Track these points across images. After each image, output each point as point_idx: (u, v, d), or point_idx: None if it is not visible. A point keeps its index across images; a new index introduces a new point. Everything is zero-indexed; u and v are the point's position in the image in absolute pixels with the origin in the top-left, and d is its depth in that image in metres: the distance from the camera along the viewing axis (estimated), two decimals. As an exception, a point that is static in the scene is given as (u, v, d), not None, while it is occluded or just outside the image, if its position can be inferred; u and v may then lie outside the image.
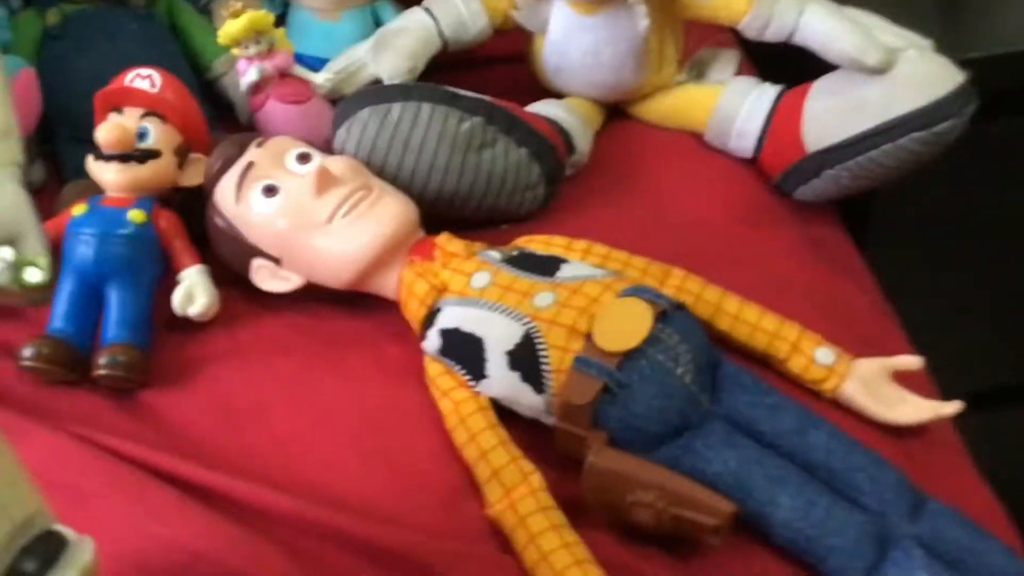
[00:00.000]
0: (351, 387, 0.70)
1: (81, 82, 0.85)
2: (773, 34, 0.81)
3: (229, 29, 0.78)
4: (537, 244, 0.72)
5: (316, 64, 0.88)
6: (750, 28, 0.82)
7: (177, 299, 0.72)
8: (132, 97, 0.76)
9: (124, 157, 0.73)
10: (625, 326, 0.61)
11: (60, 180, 0.86)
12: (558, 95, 0.90)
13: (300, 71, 0.83)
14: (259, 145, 0.74)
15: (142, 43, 0.89)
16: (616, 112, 0.92)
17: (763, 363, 0.69)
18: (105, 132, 0.73)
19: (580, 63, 0.86)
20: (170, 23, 0.93)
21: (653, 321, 0.61)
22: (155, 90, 0.76)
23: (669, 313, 0.62)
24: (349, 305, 0.75)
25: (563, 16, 0.85)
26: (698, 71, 0.90)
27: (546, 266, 0.67)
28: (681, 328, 0.62)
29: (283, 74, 0.81)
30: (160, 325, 0.74)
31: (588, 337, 0.61)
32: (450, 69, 0.91)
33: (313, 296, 0.74)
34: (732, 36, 0.91)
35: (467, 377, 0.65)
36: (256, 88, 0.81)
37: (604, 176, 0.86)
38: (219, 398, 0.70)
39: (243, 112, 0.92)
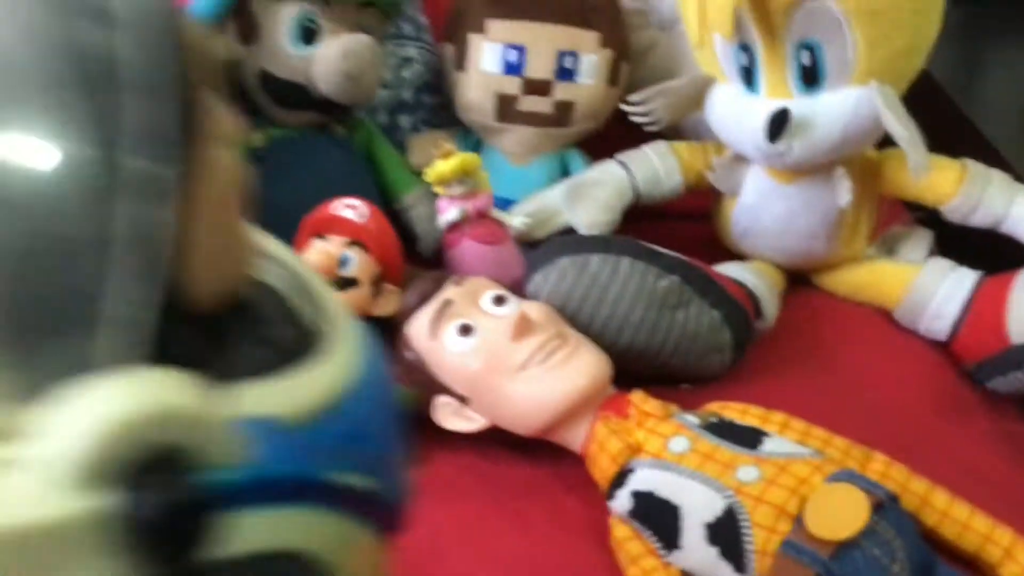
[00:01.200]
0: (528, 539, 0.69)
1: (282, 204, 0.87)
2: (980, 220, 0.80)
3: (440, 169, 0.80)
4: (733, 412, 0.70)
5: (502, 204, 0.90)
6: (956, 212, 0.81)
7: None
8: (339, 225, 0.78)
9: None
10: (839, 513, 0.58)
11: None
12: (740, 256, 0.90)
13: (496, 213, 0.84)
14: (457, 284, 0.75)
15: (341, 171, 0.92)
16: (798, 277, 0.91)
17: (967, 563, 0.66)
18: (312, 258, 0.75)
19: (771, 229, 0.86)
20: (366, 153, 0.97)
21: (869, 512, 0.58)
22: (361, 221, 0.78)
23: (885, 504, 0.59)
24: (526, 451, 0.74)
25: (759, 181, 0.86)
26: (889, 247, 0.89)
27: (747, 437, 0.65)
28: (896, 522, 0.59)
29: (480, 214, 0.83)
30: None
31: (798, 520, 0.59)
32: (631, 220, 0.92)
33: (491, 439, 0.74)
34: (922, 215, 0.90)
35: (658, 545, 0.63)
36: (453, 226, 0.83)
37: (789, 343, 0.85)
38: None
39: (427, 245, 0.95)
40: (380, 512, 0.29)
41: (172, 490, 0.20)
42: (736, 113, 0.83)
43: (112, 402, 0.19)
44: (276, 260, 0.30)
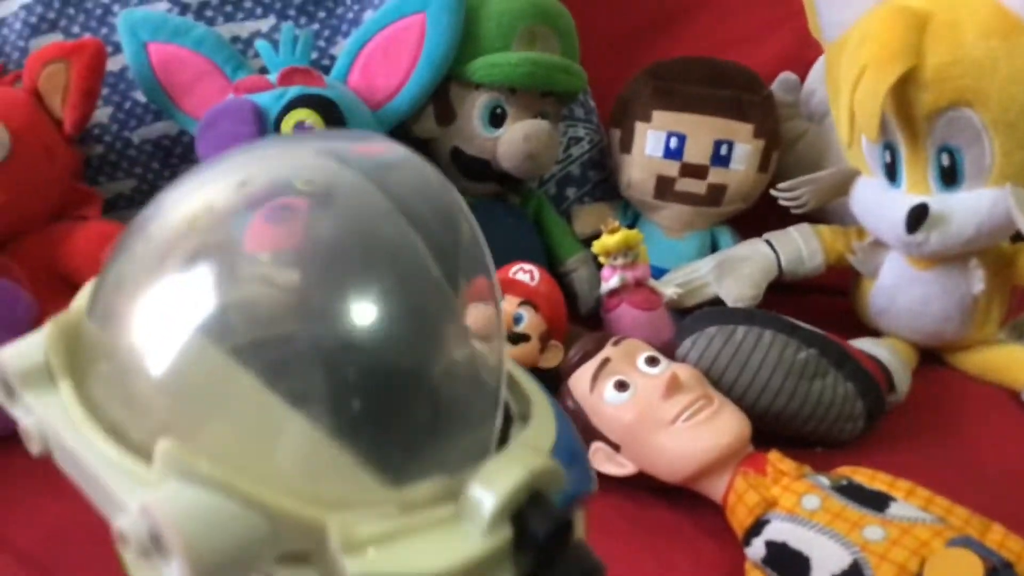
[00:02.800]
0: (670, 578, 0.76)
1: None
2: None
3: (605, 242, 0.90)
4: (862, 476, 0.77)
5: (656, 272, 0.99)
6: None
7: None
8: (514, 287, 0.88)
9: (501, 337, 0.86)
10: (956, 574, 0.64)
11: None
12: (876, 332, 0.97)
13: (651, 282, 0.93)
14: (615, 344, 0.84)
15: (514, 235, 1.03)
16: (930, 355, 0.97)
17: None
18: (492, 315, 0.85)
19: (907, 310, 0.92)
20: (536, 220, 1.08)
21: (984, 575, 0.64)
22: (533, 283, 0.89)
23: (999, 571, 0.65)
24: (670, 497, 0.82)
25: (897, 266, 0.92)
26: (1020, 333, 0.94)
27: (875, 501, 0.71)
28: (1009, 586, 0.65)
29: (638, 283, 0.92)
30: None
31: (917, 577, 0.65)
32: (774, 291, 1.00)
33: (638, 484, 0.82)
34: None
35: (788, 591, 0.70)
36: (613, 292, 0.93)
37: (919, 417, 0.90)
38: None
39: (585, 305, 1.04)
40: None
41: (550, 516, 0.30)
42: (879, 205, 0.90)
43: (512, 475, 0.30)
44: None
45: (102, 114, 1.04)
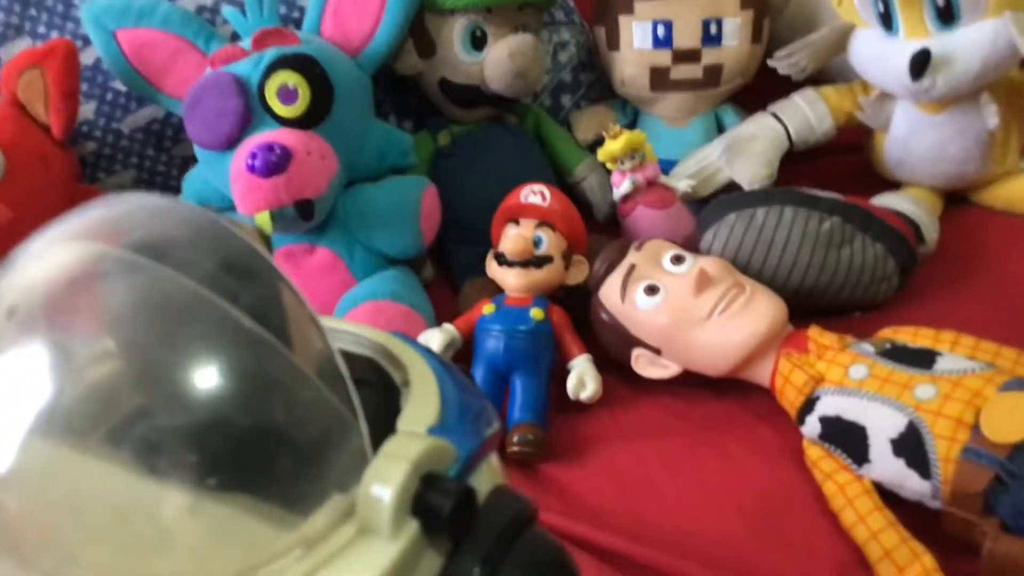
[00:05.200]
0: (732, 465, 0.77)
1: (468, 193, 0.99)
2: None
3: (610, 148, 0.89)
4: (905, 336, 0.77)
5: (664, 164, 0.97)
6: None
7: (571, 385, 0.83)
8: (528, 211, 0.88)
9: (524, 263, 0.86)
10: (1012, 418, 0.64)
11: (446, 276, 1.00)
12: (896, 184, 0.95)
13: (663, 179, 0.92)
14: (638, 248, 0.84)
15: (517, 155, 1.02)
16: (954, 197, 0.96)
17: None
18: (512, 244, 0.85)
19: (924, 157, 0.91)
20: (536, 135, 1.06)
21: (1039, 415, 0.64)
22: (546, 203, 0.88)
23: (1054, 407, 0.66)
24: (718, 390, 0.83)
25: (908, 115, 0.90)
26: (1042, 158, 0.93)
27: (921, 359, 0.72)
28: (1066, 423, 0.65)
29: (650, 183, 0.91)
30: (551, 407, 0.84)
31: (975, 428, 0.65)
32: (788, 161, 0.98)
33: (686, 382, 0.83)
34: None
35: (849, 461, 0.71)
36: (626, 196, 0.92)
37: (952, 263, 0.90)
38: (611, 471, 0.79)
39: (600, 212, 1.04)
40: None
41: (447, 492, 0.30)
42: (879, 56, 0.88)
43: (396, 471, 0.30)
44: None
45: (87, 110, 1.03)
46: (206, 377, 0.30)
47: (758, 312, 0.77)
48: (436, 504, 0.30)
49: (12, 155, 0.91)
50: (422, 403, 0.34)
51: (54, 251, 0.35)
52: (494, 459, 0.36)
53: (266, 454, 0.30)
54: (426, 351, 0.39)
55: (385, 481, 0.29)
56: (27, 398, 0.30)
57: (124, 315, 0.32)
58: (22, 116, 0.94)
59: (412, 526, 0.30)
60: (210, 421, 0.29)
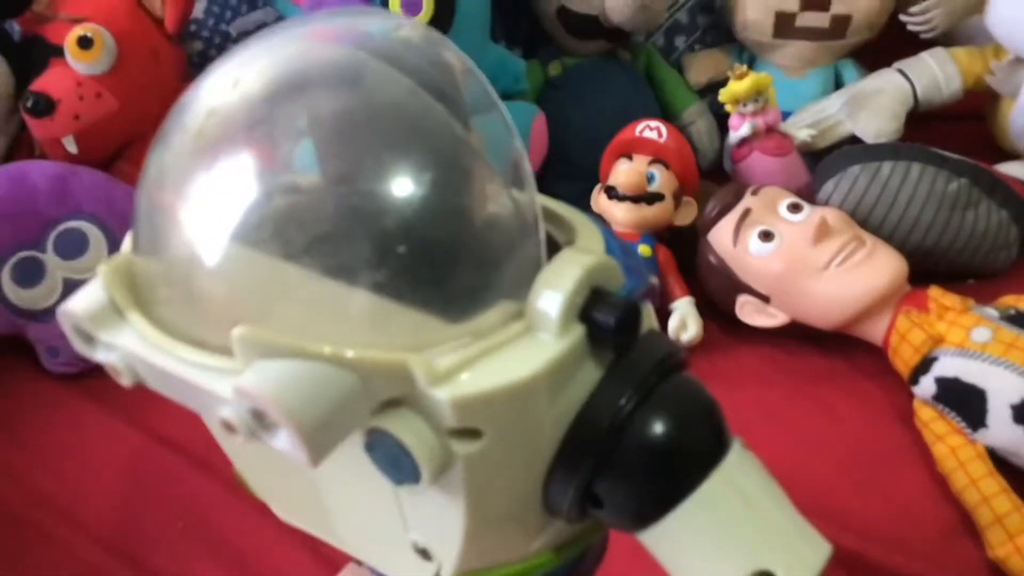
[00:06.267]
0: (834, 420, 0.76)
1: (577, 126, 0.97)
2: None
3: (734, 88, 0.86)
4: (1030, 304, 0.75)
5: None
6: None
7: (672, 326, 0.81)
8: (642, 146, 0.86)
9: (635, 198, 0.84)
10: None
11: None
12: (1013, 155, 0.93)
13: (781, 126, 0.90)
14: (754, 193, 0.82)
15: (627, 93, 1.00)
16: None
17: None
18: (625, 177, 0.83)
19: (1052, 127, 0.88)
20: (647, 74, 1.04)
21: None
22: (662, 140, 0.86)
23: None
24: (822, 344, 0.81)
25: (1041, 82, 0.87)
26: None
27: (1046, 327, 0.70)
28: None
29: (769, 129, 0.89)
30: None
31: (1100, 399, 0.64)
32: (906, 124, 0.96)
33: (789, 333, 0.81)
34: None
35: (963, 425, 0.69)
36: (743, 140, 0.90)
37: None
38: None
39: (705, 158, 1.02)
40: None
41: (616, 305, 0.31)
42: (1021, 18, 0.85)
43: (569, 276, 0.30)
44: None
45: (197, 9, 1.02)
46: (411, 183, 0.31)
47: (880, 266, 0.75)
48: (604, 314, 0.30)
49: (124, 45, 0.90)
50: (591, 240, 0.35)
51: (289, 47, 0.35)
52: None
53: (454, 262, 0.31)
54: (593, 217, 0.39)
55: (557, 284, 0.30)
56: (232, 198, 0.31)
57: (344, 119, 0.32)
58: (138, 7, 0.93)
59: (578, 330, 0.31)
60: (405, 228, 0.30)
